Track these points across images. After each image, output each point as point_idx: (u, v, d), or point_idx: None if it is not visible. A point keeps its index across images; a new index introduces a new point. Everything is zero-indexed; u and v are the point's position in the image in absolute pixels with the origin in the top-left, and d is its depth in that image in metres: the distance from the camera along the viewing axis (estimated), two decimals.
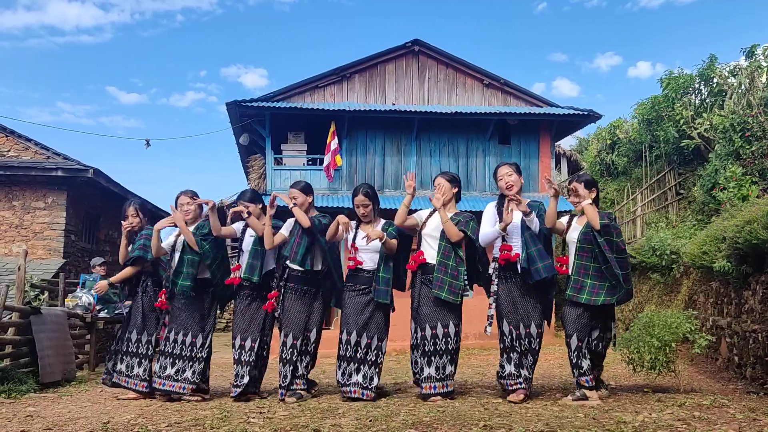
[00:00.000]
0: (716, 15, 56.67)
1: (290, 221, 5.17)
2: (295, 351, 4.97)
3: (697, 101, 14.24)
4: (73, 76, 64.55)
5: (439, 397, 4.67)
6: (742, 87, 12.19)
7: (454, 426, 3.64)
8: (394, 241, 4.96)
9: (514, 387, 4.64)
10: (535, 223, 4.65)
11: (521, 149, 13.86)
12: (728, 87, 13.10)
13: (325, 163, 12.90)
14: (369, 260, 5.01)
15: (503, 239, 4.73)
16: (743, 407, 4.18)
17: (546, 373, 6.88)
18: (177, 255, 5.24)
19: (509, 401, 4.54)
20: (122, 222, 5.57)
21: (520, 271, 4.66)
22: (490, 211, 4.91)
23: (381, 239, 4.81)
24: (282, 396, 4.89)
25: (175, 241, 5.33)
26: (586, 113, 13.66)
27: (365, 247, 4.98)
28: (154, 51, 66.32)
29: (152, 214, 5.93)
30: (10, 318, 6.86)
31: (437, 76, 14.35)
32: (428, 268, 4.85)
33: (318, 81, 13.90)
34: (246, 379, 5.02)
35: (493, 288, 4.77)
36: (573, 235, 4.76)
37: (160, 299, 5.21)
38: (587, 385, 4.52)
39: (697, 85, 14.28)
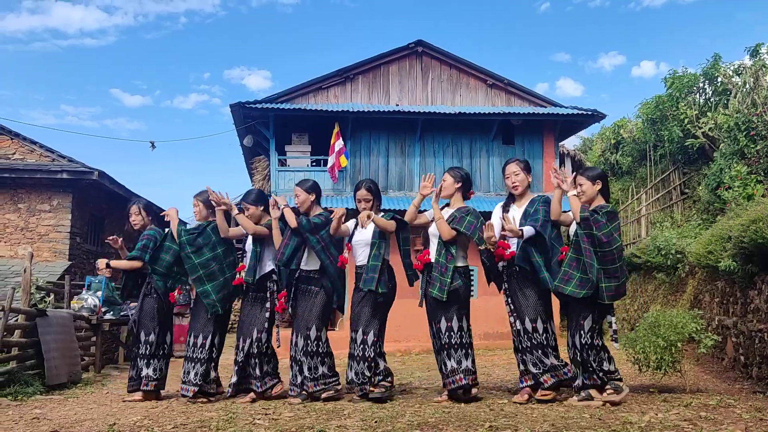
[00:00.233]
0: (720, 14, 56.49)
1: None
2: (298, 350, 4.98)
3: (701, 100, 14.20)
4: (76, 79, 64.73)
5: (444, 398, 4.69)
6: (747, 86, 12.14)
7: (459, 427, 3.64)
8: (390, 222, 4.92)
9: (524, 385, 4.64)
10: (530, 232, 4.65)
11: (525, 149, 13.83)
12: (733, 86, 13.06)
13: (329, 164, 12.91)
14: (364, 256, 5.01)
15: (503, 237, 4.75)
16: (750, 407, 4.17)
17: None
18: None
19: (513, 402, 4.54)
20: (128, 221, 5.69)
21: (517, 269, 4.70)
22: (497, 213, 4.96)
23: (369, 218, 4.82)
24: (293, 394, 4.93)
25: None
26: (589, 113, 13.63)
27: (360, 242, 5.01)
28: (157, 53, 66.46)
29: (156, 215, 5.94)
30: (16, 320, 6.89)
31: (441, 77, 14.34)
32: (432, 267, 4.88)
33: (321, 82, 13.91)
34: (234, 378, 5.11)
35: (504, 285, 4.82)
36: (571, 229, 4.76)
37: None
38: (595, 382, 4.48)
39: (701, 85, 14.24)
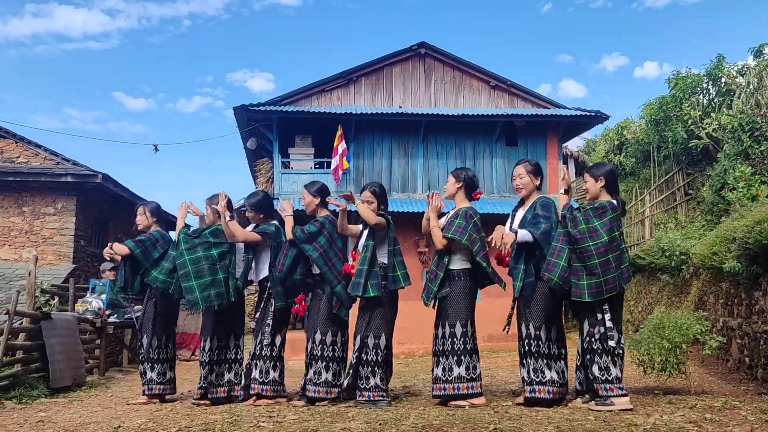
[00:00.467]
0: (723, 14, 56.47)
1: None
2: (306, 353, 4.99)
3: (705, 101, 14.16)
4: (80, 83, 65.01)
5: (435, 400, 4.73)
6: (751, 86, 12.11)
7: (464, 429, 3.63)
8: (371, 214, 4.82)
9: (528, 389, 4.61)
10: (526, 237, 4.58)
11: (528, 151, 13.83)
12: (736, 86, 13.02)
13: (332, 167, 12.93)
14: None
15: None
16: (755, 409, 4.16)
17: None
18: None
19: (516, 404, 4.53)
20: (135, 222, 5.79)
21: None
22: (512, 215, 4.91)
23: (350, 196, 4.83)
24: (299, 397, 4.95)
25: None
26: (593, 114, 13.63)
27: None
28: (160, 56, 66.72)
29: (164, 219, 6.03)
30: (21, 323, 6.91)
31: (444, 79, 14.35)
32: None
33: (325, 84, 13.94)
34: (243, 381, 5.14)
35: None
36: None
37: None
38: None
39: (705, 85, 14.19)
